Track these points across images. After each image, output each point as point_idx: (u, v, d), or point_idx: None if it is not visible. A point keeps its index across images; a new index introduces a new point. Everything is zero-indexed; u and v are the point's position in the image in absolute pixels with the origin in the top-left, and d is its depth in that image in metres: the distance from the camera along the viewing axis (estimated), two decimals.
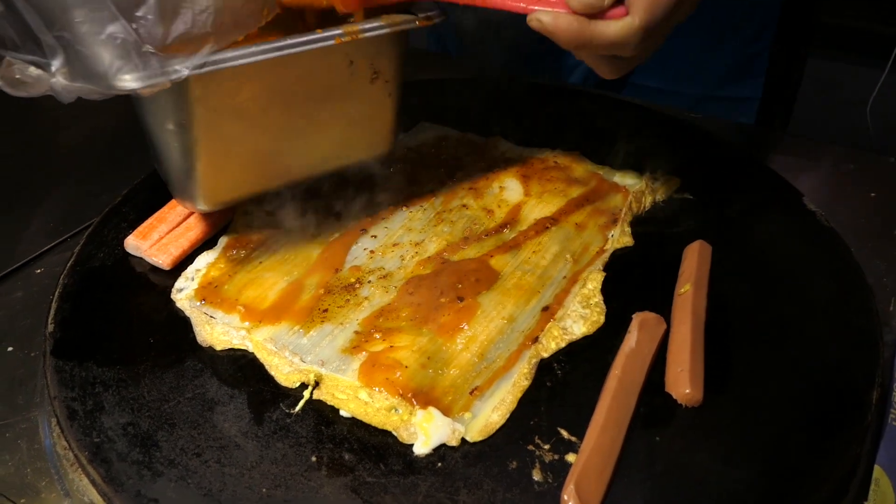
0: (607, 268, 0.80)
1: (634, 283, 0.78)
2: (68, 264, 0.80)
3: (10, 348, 0.77)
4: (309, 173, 0.83)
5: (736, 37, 1.28)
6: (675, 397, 0.65)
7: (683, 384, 0.65)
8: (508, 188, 0.89)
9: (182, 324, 0.74)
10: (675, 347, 0.69)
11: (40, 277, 0.86)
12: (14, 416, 0.70)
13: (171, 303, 0.76)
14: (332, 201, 0.88)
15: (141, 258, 0.82)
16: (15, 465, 0.66)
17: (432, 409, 0.63)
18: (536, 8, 0.66)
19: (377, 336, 0.70)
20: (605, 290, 0.77)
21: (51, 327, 0.73)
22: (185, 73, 0.63)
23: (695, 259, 0.78)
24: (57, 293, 0.77)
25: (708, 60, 1.27)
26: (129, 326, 0.74)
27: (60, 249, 0.91)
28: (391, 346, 0.69)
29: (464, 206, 0.88)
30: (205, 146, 0.71)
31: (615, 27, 0.65)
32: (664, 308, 0.74)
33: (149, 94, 0.63)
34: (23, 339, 0.78)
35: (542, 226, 0.84)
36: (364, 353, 0.69)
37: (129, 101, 0.67)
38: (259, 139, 0.75)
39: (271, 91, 0.72)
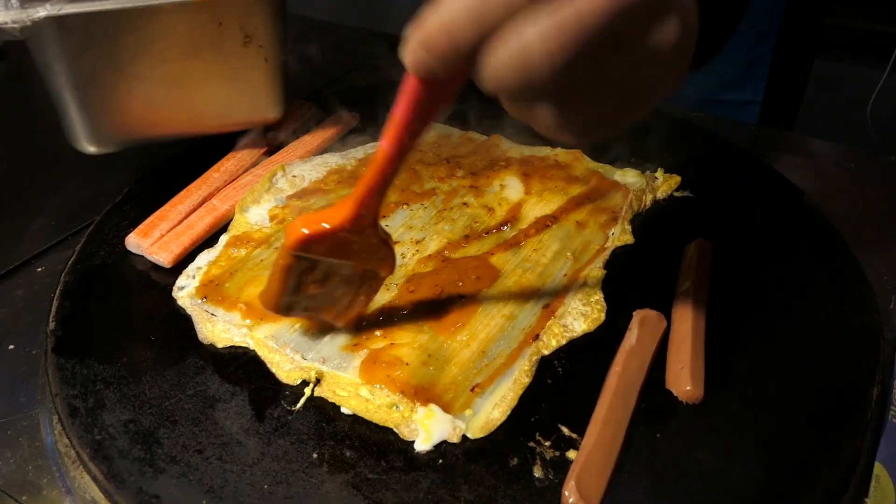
0: (608, 266, 0.80)
1: (635, 280, 0.79)
2: (69, 262, 0.80)
3: (11, 346, 0.77)
4: (193, 128, 0.90)
5: (739, 41, 1.28)
6: (675, 394, 0.65)
7: (684, 381, 0.65)
8: (509, 186, 0.89)
9: (183, 321, 0.74)
10: (676, 345, 0.69)
11: (41, 275, 0.86)
12: (16, 413, 0.70)
13: (173, 300, 0.76)
14: (334, 200, 0.88)
15: (142, 256, 0.82)
16: (17, 462, 0.66)
17: (433, 406, 0.63)
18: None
19: (378, 333, 0.71)
20: (606, 287, 0.77)
21: (52, 325, 0.73)
22: (43, 14, 0.73)
23: (695, 257, 0.78)
24: (58, 291, 0.77)
25: (711, 63, 1.27)
26: (131, 324, 0.74)
27: (61, 248, 0.91)
28: (392, 344, 0.69)
29: (464, 204, 0.88)
30: (82, 89, 0.79)
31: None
32: (665, 306, 0.74)
33: (16, 32, 0.73)
34: (24, 337, 0.78)
35: (543, 224, 0.84)
36: (365, 350, 0.69)
37: None
38: (134, 87, 0.82)
39: (139, 42, 0.79)
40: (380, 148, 0.56)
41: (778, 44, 1.29)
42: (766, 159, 1.01)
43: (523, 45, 0.42)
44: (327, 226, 0.60)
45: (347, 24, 1.55)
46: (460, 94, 1.07)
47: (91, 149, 0.86)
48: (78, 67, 0.78)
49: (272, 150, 0.98)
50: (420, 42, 0.46)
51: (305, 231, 0.60)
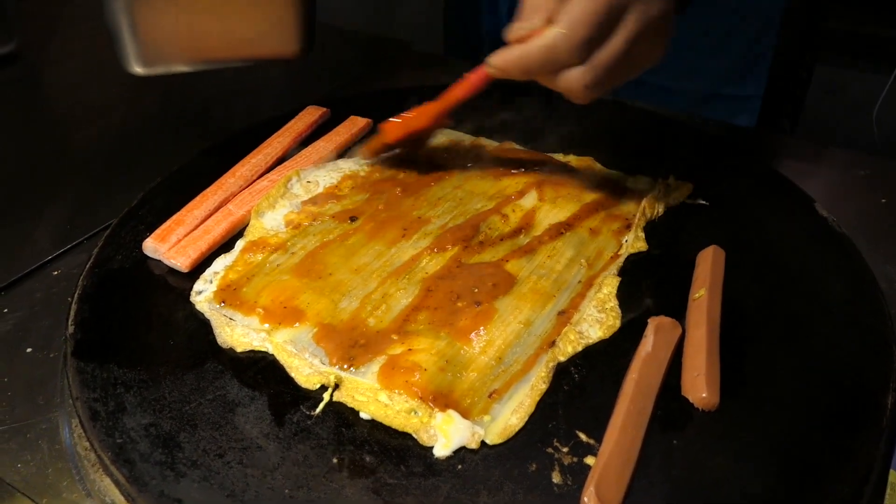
0: (621, 272, 0.80)
1: (649, 287, 0.79)
2: (87, 266, 0.81)
3: (29, 349, 0.78)
4: (229, 55, 0.97)
5: (740, 35, 1.29)
6: (691, 401, 0.66)
7: (700, 388, 0.65)
8: (522, 193, 0.90)
9: (201, 326, 0.74)
10: (691, 352, 0.69)
11: (58, 279, 0.87)
12: (35, 416, 0.71)
13: (190, 305, 0.77)
14: (348, 205, 0.89)
15: (159, 261, 0.82)
16: (36, 465, 0.67)
17: (451, 412, 0.63)
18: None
19: (395, 338, 0.71)
20: (620, 294, 0.77)
21: (71, 328, 0.73)
22: None
23: (709, 264, 0.79)
24: (76, 295, 0.77)
25: (712, 58, 1.28)
26: (149, 328, 0.74)
27: (77, 251, 0.91)
28: (410, 350, 0.69)
29: (478, 210, 0.88)
30: (137, 12, 0.88)
31: (542, 39, 0.69)
32: (679, 312, 0.74)
33: None
34: (42, 341, 0.79)
35: (557, 231, 0.85)
36: (383, 355, 0.69)
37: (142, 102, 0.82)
38: (182, 13, 0.91)
39: None
40: (471, 77, 0.85)
41: (779, 39, 1.30)
42: (776, 166, 1.01)
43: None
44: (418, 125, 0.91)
45: (356, 29, 1.55)
46: (475, 101, 1.08)
47: (139, 69, 0.93)
48: None
49: (286, 155, 0.99)
50: (499, 67, 0.75)
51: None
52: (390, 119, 0.91)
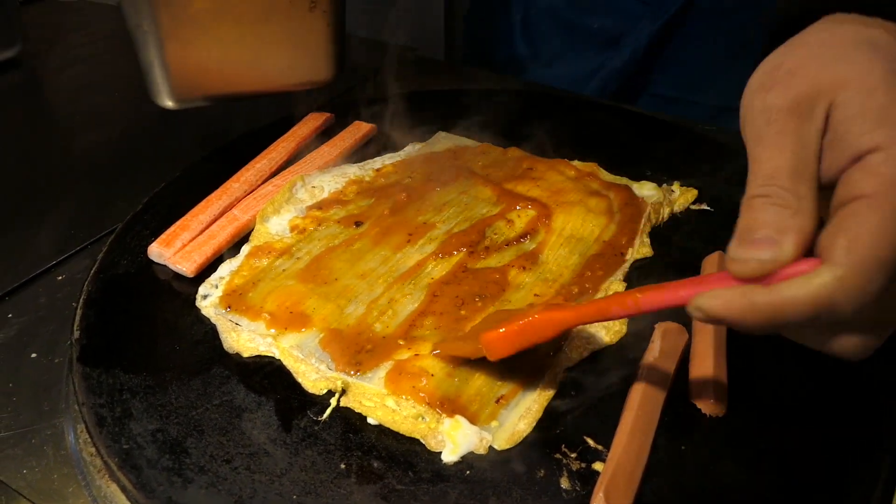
0: (627, 278, 0.80)
1: None
2: (92, 271, 0.81)
3: (34, 354, 0.77)
4: (260, 86, 0.99)
5: (753, 49, 1.29)
6: (699, 407, 0.66)
7: (708, 394, 0.65)
8: (527, 198, 0.90)
9: (207, 331, 0.74)
10: (698, 357, 0.69)
11: (62, 284, 0.87)
12: (40, 422, 0.71)
13: (196, 310, 0.77)
14: (353, 210, 0.89)
15: (164, 266, 0.82)
16: (42, 470, 0.66)
17: (459, 418, 0.63)
18: (693, 293, 0.50)
19: (401, 343, 0.71)
20: None
21: (77, 334, 0.73)
22: None
23: (715, 270, 0.79)
24: (82, 300, 0.77)
25: (727, 70, 1.28)
26: (155, 333, 0.74)
27: (81, 256, 0.91)
28: (417, 355, 0.69)
29: (483, 215, 0.88)
30: (168, 47, 0.89)
31: (806, 289, 0.44)
32: (685, 318, 0.74)
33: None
34: (47, 346, 0.78)
35: (562, 236, 0.85)
36: (390, 361, 0.69)
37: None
38: (213, 47, 0.92)
39: (221, 6, 0.89)
40: (630, 299, 0.57)
41: None
42: None
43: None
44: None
45: (358, 34, 1.56)
46: (477, 106, 1.08)
47: (170, 103, 0.95)
48: (163, 28, 0.88)
49: (290, 160, 0.99)
50: (717, 315, 0.48)
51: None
52: (495, 329, 0.62)
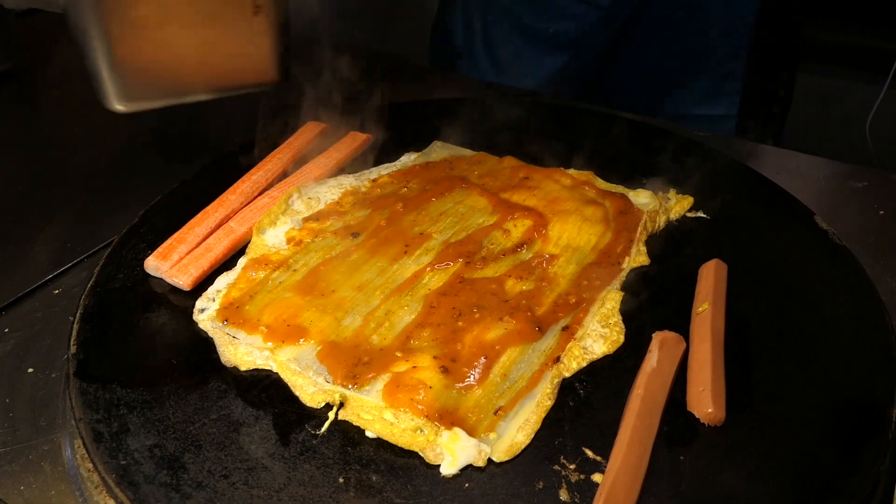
0: (624, 287, 0.81)
1: (652, 301, 0.79)
2: (88, 285, 0.81)
3: (30, 369, 0.77)
4: (208, 89, 0.99)
5: (710, 58, 1.32)
6: (697, 416, 0.66)
7: (706, 403, 0.65)
8: (524, 208, 0.90)
9: (204, 344, 0.74)
10: (696, 366, 0.69)
11: (58, 298, 0.87)
12: (37, 437, 0.70)
13: (193, 324, 0.76)
14: (350, 221, 0.89)
15: (160, 279, 0.82)
16: (39, 487, 0.66)
17: (458, 430, 0.63)
18: None
19: (399, 355, 0.71)
20: (623, 309, 0.77)
21: (73, 349, 0.73)
22: None
23: (711, 278, 0.79)
24: (78, 314, 0.77)
25: (683, 81, 1.33)
26: (152, 347, 0.74)
27: (77, 269, 0.91)
28: (414, 367, 0.69)
29: (479, 225, 0.88)
30: (115, 52, 0.89)
31: None
32: (682, 327, 0.75)
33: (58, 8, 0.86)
34: (43, 361, 0.78)
35: (559, 245, 0.85)
36: (388, 373, 0.69)
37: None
38: (159, 51, 0.93)
39: (166, 11, 0.90)
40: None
41: (750, 59, 1.32)
42: (774, 179, 1.01)
43: None
44: None
45: (352, 44, 1.56)
46: (472, 115, 1.08)
47: (119, 107, 0.95)
48: (109, 33, 0.89)
49: (286, 172, 0.99)
50: None
51: None
52: None
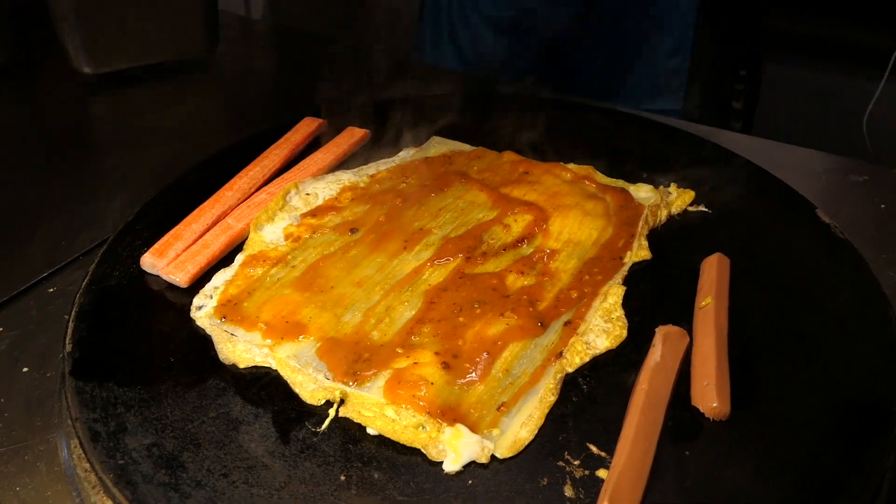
0: (626, 281, 0.80)
1: (654, 296, 0.79)
2: (83, 283, 0.79)
3: (25, 368, 0.76)
4: (156, 56, 1.34)
5: (652, 53, 1.35)
6: (702, 411, 0.65)
7: (710, 398, 0.65)
8: (524, 203, 0.89)
9: (202, 342, 0.73)
10: (700, 361, 0.69)
11: (53, 296, 0.85)
12: (33, 437, 0.69)
13: (191, 321, 0.75)
14: (348, 217, 0.88)
15: (157, 276, 0.81)
16: (35, 488, 0.65)
17: (460, 426, 0.62)
18: None
19: (399, 351, 0.70)
20: (625, 303, 0.77)
21: (69, 347, 0.72)
22: None
23: (714, 272, 0.78)
24: (73, 312, 0.76)
25: (627, 75, 1.36)
26: (149, 345, 0.73)
27: (72, 267, 0.90)
28: (415, 363, 0.68)
29: (479, 220, 0.88)
30: (83, 20, 1.23)
31: None
32: (684, 321, 0.74)
33: None
34: (38, 360, 0.77)
35: (560, 240, 0.84)
36: (388, 369, 0.68)
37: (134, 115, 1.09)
38: (118, 22, 1.26)
39: None
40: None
41: (697, 55, 1.33)
42: (774, 173, 1.01)
43: None
44: None
45: (347, 39, 1.55)
46: (471, 110, 1.08)
47: (87, 69, 1.28)
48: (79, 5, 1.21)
49: (284, 167, 0.98)
50: None
51: None
52: None
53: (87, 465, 0.64)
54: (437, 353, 0.69)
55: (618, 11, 1.34)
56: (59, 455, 0.68)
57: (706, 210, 0.91)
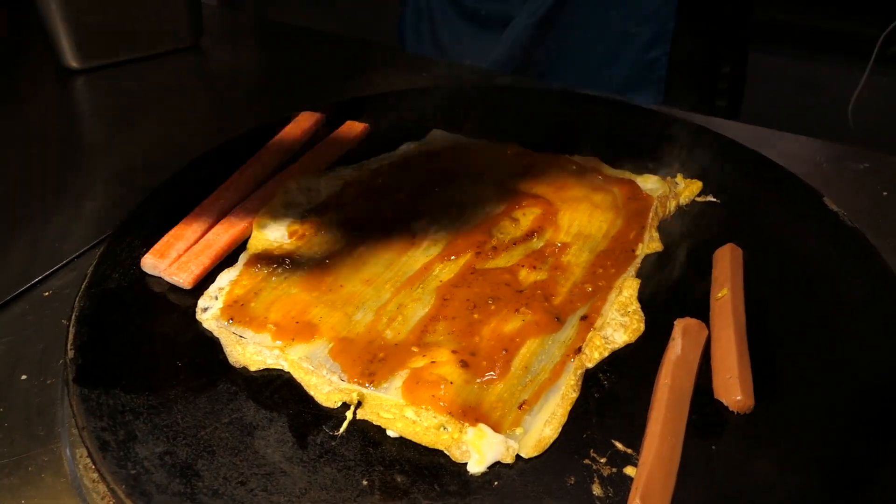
0: (639, 274, 0.79)
1: (668, 288, 0.78)
2: (82, 286, 0.77)
3: (24, 376, 0.73)
4: (142, 50, 1.35)
5: (631, 44, 1.35)
6: (726, 404, 0.64)
7: (734, 391, 0.64)
8: (531, 196, 0.88)
9: (210, 345, 0.71)
10: (720, 353, 0.68)
11: (49, 300, 0.83)
12: (35, 448, 0.67)
13: (196, 323, 0.73)
14: (353, 213, 0.86)
15: (158, 278, 0.78)
16: (40, 500, 0.63)
17: (483, 426, 0.61)
18: None
19: (415, 350, 0.68)
20: (640, 296, 0.76)
21: (71, 353, 0.69)
22: None
23: (728, 263, 0.77)
24: (74, 317, 0.73)
25: (605, 66, 1.36)
26: (154, 349, 0.71)
27: (67, 270, 0.87)
28: (433, 362, 0.66)
29: (487, 214, 0.86)
30: (70, 15, 1.24)
31: None
32: (700, 313, 0.73)
33: None
34: (37, 367, 0.74)
35: (570, 234, 0.83)
36: (405, 369, 0.66)
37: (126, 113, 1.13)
38: (91, 15, 1.26)
39: None
40: None
41: (676, 47, 1.33)
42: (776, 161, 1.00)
43: None
44: None
45: (340, 33, 1.52)
46: (471, 103, 1.06)
47: (75, 64, 1.29)
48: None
49: (283, 163, 0.96)
50: None
51: None
52: None
53: (96, 476, 0.62)
54: (454, 352, 0.67)
55: (598, 3, 1.34)
56: (64, 465, 0.65)
57: (714, 200, 0.90)
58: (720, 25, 1.43)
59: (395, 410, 0.63)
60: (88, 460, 0.62)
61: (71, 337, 0.71)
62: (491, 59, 1.39)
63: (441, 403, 0.63)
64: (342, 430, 0.63)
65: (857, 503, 0.57)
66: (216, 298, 0.75)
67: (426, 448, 0.61)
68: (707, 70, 1.45)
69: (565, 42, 1.37)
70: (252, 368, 0.68)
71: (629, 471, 0.59)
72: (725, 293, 0.73)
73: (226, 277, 0.78)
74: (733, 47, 1.47)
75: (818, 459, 0.60)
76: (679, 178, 0.92)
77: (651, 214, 0.85)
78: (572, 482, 0.58)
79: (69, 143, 1.17)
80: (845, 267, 0.79)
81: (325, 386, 0.66)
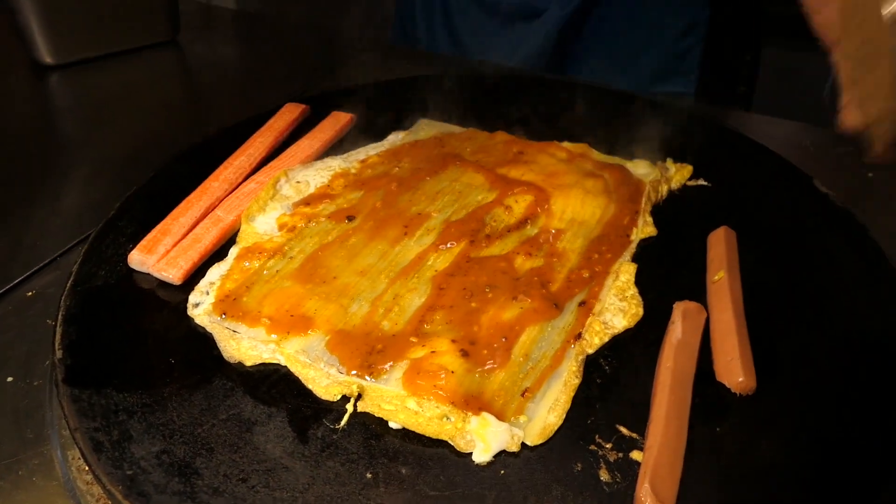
0: (634, 258, 0.79)
1: (664, 272, 0.77)
2: (68, 284, 0.74)
3: (9, 378, 0.71)
4: (119, 45, 1.32)
5: (664, 34, 1.32)
6: (728, 386, 0.64)
7: (736, 372, 0.64)
8: (523, 183, 0.87)
9: (202, 340, 0.69)
10: (720, 336, 0.68)
11: (32, 300, 0.80)
12: (25, 451, 0.65)
13: (188, 319, 0.71)
14: (343, 204, 0.85)
15: (147, 274, 0.76)
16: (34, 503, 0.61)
17: (486, 415, 0.60)
18: None
19: (413, 340, 0.67)
20: (637, 281, 0.75)
21: (59, 353, 0.67)
22: None
23: (722, 246, 0.77)
24: (60, 316, 0.71)
25: (639, 57, 1.32)
26: (146, 347, 0.69)
27: (51, 269, 0.85)
28: (433, 352, 0.65)
29: (479, 202, 0.85)
30: (43, 11, 1.21)
31: None
32: (696, 295, 0.73)
33: None
34: (22, 368, 0.72)
35: (563, 220, 0.82)
36: (405, 360, 0.65)
37: (110, 107, 1.16)
38: (66, 9, 1.23)
39: None
40: None
41: (709, 38, 1.32)
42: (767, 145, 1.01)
43: None
44: None
45: (324, 24, 1.50)
46: (457, 91, 1.05)
47: (49, 59, 1.25)
48: None
49: (269, 155, 0.94)
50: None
51: None
52: None
53: (89, 478, 0.60)
54: (453, 341, 0.66)
55: None
56: (55, 468, 0.63)
57: (705, 184, 0.90)
58: (747, 13, 1.42)
59: (397, 402, 0.62)
60: (82, 462, 0.60)
61: (58, 337, 0.69)
62: (521, 54, 1.34)
63: (443, 393, 0.62)
64: (343, 423, 0.62)
65: (861, 478, 0.57)
66: (207, 293, 0.73)
67: (430, 439, 0.60)
68: (734, 57, 1.44)
69: (598, 34, 1.33)
70: (248, 363, 0.67)
71: (635, 455, 0.59)
72: (722, 276, 0.73)
73: (216, 272, 0.76)
74: (754, 34, 1.47)
75: (821, 437, 0.60)
76: (669, 162, 0.92)
77: (644, 199, 0.85)
78: (579, 468, 0.58)
79: (45, 140, 1.14)
80: (839, 248, 0.80)
81: (324, 379, 0.64)
